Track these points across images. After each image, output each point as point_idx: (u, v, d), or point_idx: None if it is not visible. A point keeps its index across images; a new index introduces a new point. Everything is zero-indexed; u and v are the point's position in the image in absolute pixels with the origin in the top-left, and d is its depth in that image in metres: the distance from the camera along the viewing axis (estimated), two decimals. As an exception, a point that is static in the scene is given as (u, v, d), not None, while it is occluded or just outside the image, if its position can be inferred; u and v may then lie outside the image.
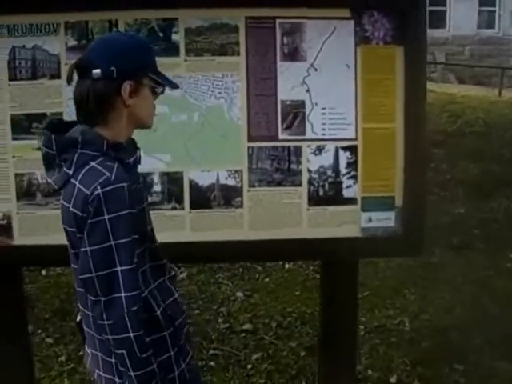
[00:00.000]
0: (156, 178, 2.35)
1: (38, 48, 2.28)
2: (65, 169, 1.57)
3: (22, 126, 2.32)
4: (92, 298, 1.56)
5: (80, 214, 1.53)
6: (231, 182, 2.36)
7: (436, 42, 15.27)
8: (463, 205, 5.85)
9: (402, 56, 2.32)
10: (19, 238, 2.38)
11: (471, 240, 5.11)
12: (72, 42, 2.29)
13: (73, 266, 1.67)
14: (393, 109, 2.35)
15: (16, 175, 2.35)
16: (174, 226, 2.36)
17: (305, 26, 2.30)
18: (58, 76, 2.29)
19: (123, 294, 1.52)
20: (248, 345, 3.63)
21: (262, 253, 2.41)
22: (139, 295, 1.57)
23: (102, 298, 1.53)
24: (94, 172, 1.54)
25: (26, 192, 2.36)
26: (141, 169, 2.28)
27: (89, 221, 1.51)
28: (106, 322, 1.53)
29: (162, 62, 2.26)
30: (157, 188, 2.35)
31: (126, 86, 1.58)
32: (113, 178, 1.52)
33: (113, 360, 1.62)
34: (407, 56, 2.32)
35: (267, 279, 4.51)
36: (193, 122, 2.32)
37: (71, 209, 1.55)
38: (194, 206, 2.36)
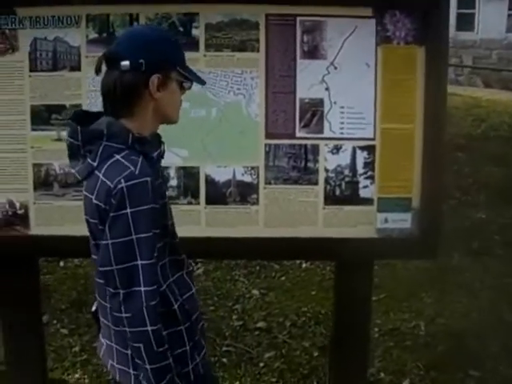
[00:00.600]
0: (172, 173, 2.35)
1: (59, 40, 2.30)
2: (89, 160, 1.58)
3: (41, 116, 2.34)
4: (111, 290, 1.56)
5: (103, 206, 1.54)
6: (247, 178, 2.35)
7: (464, 45, 15.09)
8: (484, 210, 5.76)
9: (423, 56, 2.29)
10: (36, 228, 2.40)
11: (491, 246, 5.02)
12: (93, 35, 2.30)
13: (93, 256, 1.69)
14: (412, 109, 2.32)
15: (34, 165, 2.37)
16: (189, 221, 2.35)
17: (325, 24, 2.28)
18: (78, 68, 2.31)
19: (142, 288, 1.52)
20: (261, 343, 3.61)
21: (276, 251, 2.40)
22: (158, 290, 1.58)
23: (122, 291, 1.53)
24: (119, 165, 1.54)
25: (44, 182, 2.38)
26: (158, 163, 2.30)
27: (111, 214, 1.52)
28: (124, 315, 1.53)
29: (182, 57, 2.28)
30: (173, 182, 2.36)
31: (154, 79, 1.58)
32: (137, 172, 1.52)
33: (128, 352, 1.62)
34: (428, 56, 2.29)
35: (283, 278, 4.49)
36: (211, 117, 2.32)
37: (94, 200, 1.56)
38: (210, 201, 2.36)
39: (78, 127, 1.58)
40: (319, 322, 3.84)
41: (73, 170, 1.64)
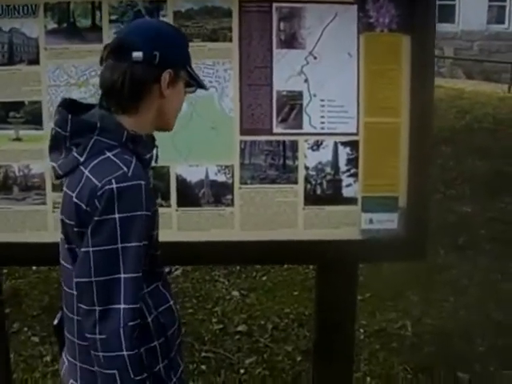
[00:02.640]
0: (141, 173, 2.18)
1: (16, 31, 2.12)
2: (75, 154, 1.43)
3: (-3, 114, 2.16)
4: (84, 306, 1.39)
5: (84, 206, 1.39)
6: (221, 178, 2.20)
7: (445, 37, 15.06)
8: (470, 204, 5.69)
9: (409, 45, 2.15)
10: (-6, 235, 2.22)
11: (477, 240, 4.95)
12: (52, 25, 2.12)
13: (62, 262, 1.53)
14: (398, 102, 2.19)
15: (-9, 167, 2.19)
16: (160, 225, 2.17)
17: (304, 10, 2.13)
18: (36, 61, 2.14)
19: (122, 306, 1.36)
20: (242, 348, 3.48)
21: (253, 255, 2.24)
22: (138, 309, 1.42)
23: (98, 308, 1.37)
24: (110, 164, 1.40)
25: (2, 186, 2.20)
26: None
27: (95, 218, 1.37)
28: (97, 337, 1.37)
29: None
30: (141, 183, 2.18)
31: (166, 75, 1.46)
32: (130, 173, 1.38)
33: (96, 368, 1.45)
34: (414, 45, 2.15)
35: (265, 277, 4.36)
36: (181, 112, 2.13)
37: (74, 199, 1.41)
38: (182, 203, 2.21)
39: (69, 116, 1.44)
40: (302, 323, 3.72)
41: (52, 164, 1.48)
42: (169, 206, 2.20)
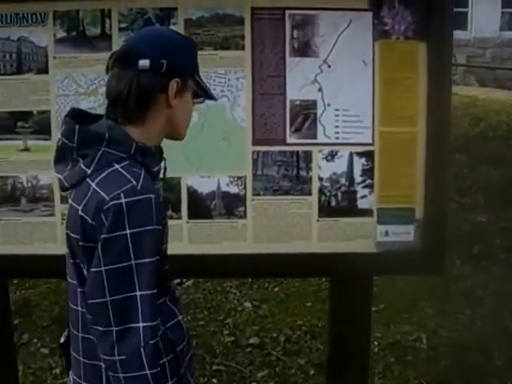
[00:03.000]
0: (151, 184, 2.13)
1: (24, 40, 2.10)
2: (82, 165, 1.39)
3: (5, 124, 2.13)
4: (100, 328, 1.34)
5: (89, 220, 1.35)
6: (233, 189, 2.15)
7: (457, 44, 14.97)
8: (484, 213, 5.59)
9: (425, 53, 2.10)
10: (2, 247, 2.18)
11: (492, 250, 4.85)
12: (61, 34, 2.10)
13: (69, 279, 1.48)
14: (414, 111, 2.13)
15: (-1, 178, 2.16)
16: (170, 237, 2.07)
17: (317, 17, 2.09)
18: (45, 71, 2.11)
19: (141, 324, 1.32)
20: (254, 361, 3.41)
21: (266, 268, 2.19)
22: (158, 326, 1.37)
23: (115, 329, 1.32)
24: (118, 177, 1.35)
25: (10, 197, 2.17)
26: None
27: (104, 236, 1.32)
28: (117, 358, 1.32)
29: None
30: (152, 195, 2.14)
31: (174, 84, 1.42)
32: (139, 187, 1.34)
33: None
34: (431, 53, 2.10)
35: (277, 289, 4.28)
36: (192, 123, 2.06)
37: (80, 212, 1.36)
38: (193, 215, 2.16)
39: (77, 126, 1.40)
40: (315, 336, 3.64)
41: (58, 176, 1.44)
42: (179, 217, 2.16)
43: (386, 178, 2.15)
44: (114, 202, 1.31)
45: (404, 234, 2.17)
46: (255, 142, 2.13)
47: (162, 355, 1.46)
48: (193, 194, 2.15)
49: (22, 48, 2.09)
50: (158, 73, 1.40)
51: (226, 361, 3.40)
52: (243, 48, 2.09)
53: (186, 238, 2.16)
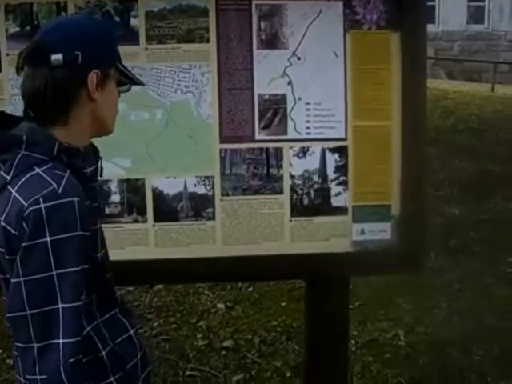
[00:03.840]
0: (114, 187, 2.03)
1: (-27, 35, 1.95)
2: (2, 172, 1.29)
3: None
4: (21, 344, 1.24)
5: (12, 230, 1.24)
6: (201, 189, 2.05)
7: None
8: (458, 205, 5.61)
9: (399, 43, 2.03)
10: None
11: (467, 243, 4.85)
12: (14, 29, 1.97)
13: (3, 296, 1.35)
14: (388, 104, 2.06)
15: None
16: (135, 241, 2.06)
17: (285, 7, 2.00)
18: (-2, 69, 1.97)
19: (61, 341, 1.21)
20: (229, 364, 3.32)
21: (237, 272, 2.10)
22: (80, 342, 1.25)
23: (36, 345, 1.21)
24: (38, 180, 1.25)
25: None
26: (96, 175, 1.97)
27: (23, 244, 1.21)
28: (38, 377, 1.21)
29: (120, 51, 1.97)
30: (115, 198, 2.04)
31: (93, 76, 1.31)
32: (60, 190, 1.23)
33: None
34: (404, 43, 2.03)
35: (250, 289, 4.20)
36: (155, 120, 2.01)
37: (2, 223, 1.26)
38: (159, 218, 2.06)
39: None
40: (291, 337, 3.57)
41: None
42: (145, 221, 2.05)
43: (361, 174, 2.08)
44: (32, 208, 1.21)
45: (381, 231, 2.10)
46: (223, 140, 2.04)
47: (107, 373, 1.38)
48: (158, 195, 2.04)
49: (-29, 44, 1.96)
50: (74, 66, 1.29)
51: (200, 365, 3.31)
52: (208, 41, 2.00)
53: (152, 242, 2.06)
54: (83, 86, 1.31)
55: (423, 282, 4.15)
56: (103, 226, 2.00)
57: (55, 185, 1.23)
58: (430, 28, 15.91)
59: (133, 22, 1.96)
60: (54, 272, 1.21)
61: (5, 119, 1.36)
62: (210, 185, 2.05)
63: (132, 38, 1.96)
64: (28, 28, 1.96)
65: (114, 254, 2.02)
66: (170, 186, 2.04)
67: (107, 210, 2.03)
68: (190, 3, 1.97)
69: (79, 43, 1.30)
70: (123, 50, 1.89)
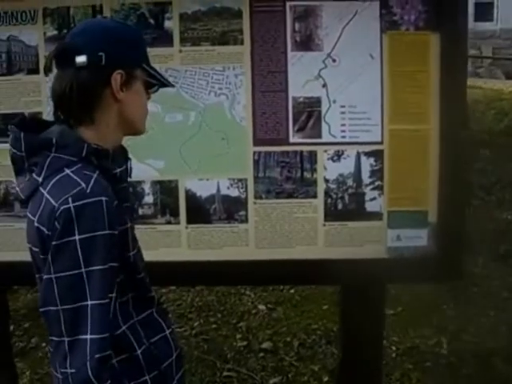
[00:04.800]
0: (147, 188, 2.05)
1: (14, 39, 2.02)
2: (34, 175, 1.32)
3: (-4, 127, 2.05)
4: (55, 338, 1.27)
5: (45, 230, 1.27)
6: (234, 192, 2.05)
7: (483, 36, 14.66)
8: (510, 210, 5.40)
9: (438, 44, 1.98)
10: (-3, 254, 2.11)
11: (518, 249, 4.67)
12: (51, 32, 2.02)
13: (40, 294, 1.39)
14: (426, 107, 2.00)
15: (-9, 183, 2.09)
16: (168, 243, 2.07)
17: (320, 9, 1.98)
18: (36, 71, 2.04)
19: (89, 336, 1.23)
20: (266, 366, 3.30)
21: (269, 275, 2.08)
22: (108, 339, 1.27)
23: (66, 339, 1.24)
24: (68, 181, 1.28)
25: (3, 202, 2.10)
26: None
27: (53, 242, 1.24)
28: (68, 371, 1.23)
29: (154, 54, 1.98)
30: (148, 199, 2.05)
31: (117, 76, 1.33)
32: (88, 190, 1.26)
33: None
34: (444, 44, 1.97)
35: (292, 291, 4.17)
36: (189, 122, 2.02)
37: (35, 223, 1.29)
38: (192, 220, 2.07)
39: (21, 134, 1.32)
40: (330, 341, 3.52)
41: (17, 189, 1.37)
42: (178, 222, 2.06)
43: (397, 179, 2.03)
44: (63, 208, 1.24)
45: (417, 238, 2.05)
46: (256, 143, 2.03)
47: (142, 372, 1.39)
48: (191, 197, 2.05)
49: (11, 48, 2.02)
50: (98, 67, 1.31)
51: (238, 366, 3.30)
52: (242, 43, 2.00)
53: (184, 243, 2.07)
54: (107, 86, 1.33)
55: (470, 288, 4.04)
56: (136, 226, 2.04)
57: (84, 185, 1.26)
58: (488, 26, 15.48)
59: (167, 24, 1.98)
60: (83, 270, 1.24)
61: (37, 124, 1.39)
62: (243, 187, 2.04)
63: (166, 40, 1.98)
64: (65, 31, 2.00)
65: (148, 255, 2.05)
66: (203, 188, 2.05)
67: (140, 211, 2.05)
68: (224, 5, 1.97)
69: (103, 44, 1.32)
70: (157, 52, 1.95)
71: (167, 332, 1.48)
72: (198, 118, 2.00)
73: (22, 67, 2.03)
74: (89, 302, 1.24)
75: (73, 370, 1.22)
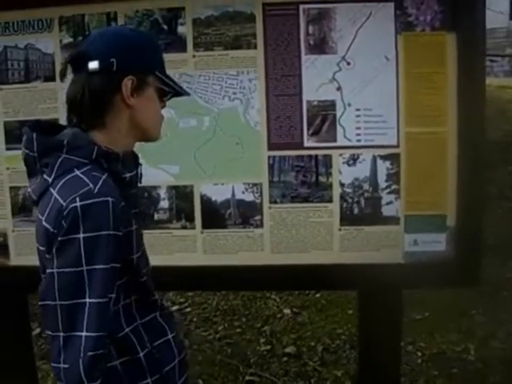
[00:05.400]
0: (163, 193, 2.06)
1: (31, 47, 2.05)
2: (45, 175, 1.34)
3: (15, 134, 2.08)
4: (50, 332, 1.28)
5: (51, 229, 1.28)
6: (249, 197, 2.04)
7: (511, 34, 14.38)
8: (543, 212, 5.26)
9: (455, 45, 1.93)
10: (16, 259, 2.14)
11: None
12: (67, 39, 2.05)
13: None
14: (443, 109, 1.96)
15: (11, 189, 2.13)
16: (183, 248, 2.08)
17: (334, 11, 1.95)
18: (52, 78, 2.06)
19: (84, 334, 1.24)
20: (289, 371, 3.28)
21: (285, 280, 2.07)
22: (103, 338, 1.28)
23: (62, 334, 1.25)
24: (77, 181, 1.30)
25: (22, 207, 2.13)
26: (145, 182, 2.01)
27: (59, 238, 1.26)
28: (61, 366, 1.24)
29: (167, 59, 1.98)
30: (164, 204, 2.06)
31: (128, 82, 1.35)
32: (96, 190, 1.27)
33: None
34: (461, 44, 1.93)
35: (318, 295, 4.14)
36: (203, 127, 2.02)
37: (43, 223, 1.30)
38: (207, 224, 2.07)
39: (34, 135, 1.34)
40: (354, 345, 3.46)
41: (29, 189, 1.39)
42: (193, 227, 2.06)
43: (414, 182, 1.99)
44: (71, 206, 1.25)
45: (435, 243, 2.00)
46: (271, 147, 2.02)
47: (145, 374, 1.40)
48: (206, 202, 2.05)
49: (29, 56, 2.05)
50: (110, 73, 1.33)
51: (261, 371, 3.29)
52: (255, 47, 1.98)
53: (200, 248, 2.07)
54: (118, 91, 1.34)
55: (500, 293, 3.95)
56: (152, 231, 2.06)
57: (92, 185, 1.27)
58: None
59: (180, 29, 1.98)
60: (85, 267, 1.25)
61: (51, 127, 1.42)
62: (258, 192, 2.03)
63: (179, 45, 1.98)
64: (80, 38, 2.03)
65: (163, 260, 2.08)
66: (218, 193, 2.04)
67: (156, 216, 2.06)
68: (237, 10, 1.96)
69: (115, 51, 1.34)
70: (171, 57, 1.95)
71: (170, 336, 1.48)
72: (213, 122, 2.00)
73: (39, 75, 2.06)
74: (87, 300, 1.25)
75: (66, 366, 1.24)
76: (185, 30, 1.98)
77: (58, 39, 2.03)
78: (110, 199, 1.27)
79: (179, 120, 2.01)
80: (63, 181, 1.31)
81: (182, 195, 2.05)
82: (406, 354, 3.22)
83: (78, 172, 1.31)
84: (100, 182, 1.28)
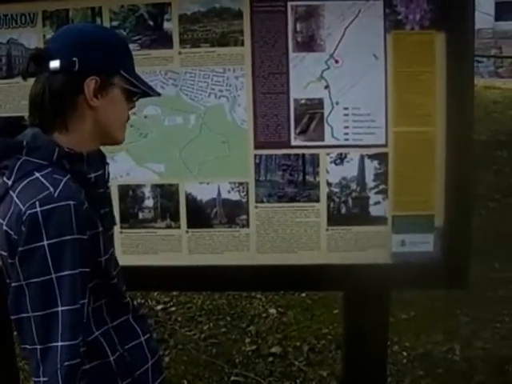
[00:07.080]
0: (147, 192, 2.03)
1: (14, 42, 2.01)
2: (4, 178, 1.30)
3: (-3, 130, 2.03)
4: (28, 346, 1.24)
5: (13, 234, 1.25)
6: (235, 196, 2.01)
7: (504, 36, 14.47)
8: (527, 212, 5.29)
9: (444, 44, 1.91)
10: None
11: (536, 253, 4.57)
12: (51, 34, 1.98)
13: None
14: (432, 109, 1.95)
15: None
16: (168, 248, 2.05)
17: (322, 8, 1.93)
18: (35, 74, 1.99)
19: (59, 344, 1.21)
20: (275, 371, 3.26)
21: (271, 281, 2.05)
22: (79, 345, 1.24)
23: (39, 347, 1.22)
24: (36, 185, 1.26)
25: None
26: (130, 180, 1.99)
27: (20, 248, 1.22)
28: (41, 379, 1.21)
29: (153, 56, 1.97)
30: (148, 203, 2.03)
31: (90, 82, 1.30)
32: (56, 194, 1.23)
33: None
34: (450, 44, 1.91)
35: (304, 294, 4.12)
36: (189, 125, 1.99)
37: (4, 227, 1.27)
38: (192, 224, 2.04)
39: None
40: (340, 345, 3.43)
41: None
42: (178, 227, 2.04)
43: (402, 182, 1.97)
44: (29, 212, 1.21)
45: (422, 243, 1.99)
46: (257, 145, 1.99)
47: (115, 379, 1.37)
48: (192, 201, 2.02)
49: (11, 51, 2.01)
50: (71, 73, 1.28)
51: (246, 371, 3.27)
52: (242, 44, 1.96)
53: (185, 248, 2.04)
54: (81, 92, 1.30)
55: (485, 293, 3.96)
56: (136, 230, 2.03)
57: (52, 189, 1.23)
58: (509, 25, 15.27)
59: (166, 25, 1.95)
60: (53, 275, 1.21)
61: (16, 128, 1.37)
62: (244, 191, 2.01)
63: (165, 41, 1.95)
64: (65, 33, 1.98)
65: (147, 260, 2.05)
66: (204, 192, 2.02)
67: (140, 215, 2.03)
68: (224, 6, 1.93)
69: (78, 50, 1.30)
70: (156, 54, 1.93)
71: (143, 339, 1.46)
72: (199, 120, 1.97)
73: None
74: (59, 308, 1.21)
75: (45, 379, 1.21)
76: (171, 26, 1.94)
77: (41, 34, 1.99)
78: (71, 203, 1.23)
79: (165, 118, 1.98)
80: (23, 184, 1.27)
81: (166, 194, 2.02)
82: (391, 354, 3.22)
83: (38, 175, 1.27)
84: (61, 185, 1.24)
